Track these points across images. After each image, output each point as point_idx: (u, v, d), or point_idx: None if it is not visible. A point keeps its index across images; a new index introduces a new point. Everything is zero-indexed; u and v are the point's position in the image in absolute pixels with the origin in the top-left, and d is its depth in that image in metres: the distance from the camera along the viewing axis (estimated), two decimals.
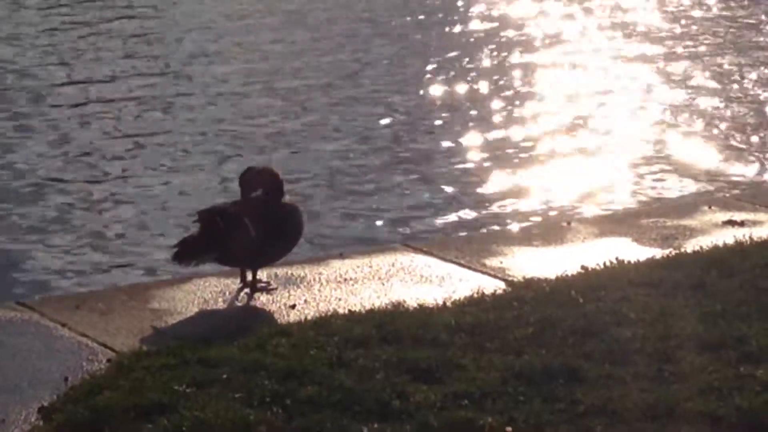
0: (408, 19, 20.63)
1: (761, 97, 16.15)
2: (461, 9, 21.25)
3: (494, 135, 14.65)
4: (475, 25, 20.07)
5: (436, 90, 16.40)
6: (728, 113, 15.44)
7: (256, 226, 6.87)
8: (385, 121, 15.29)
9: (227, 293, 7.03)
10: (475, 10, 21.06)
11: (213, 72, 17.37)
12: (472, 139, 14.48)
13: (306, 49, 18.68)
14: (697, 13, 20.58)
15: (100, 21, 20.18)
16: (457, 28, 19.87)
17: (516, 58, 18.01)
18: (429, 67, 17.41)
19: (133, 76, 17.17)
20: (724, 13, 20.57)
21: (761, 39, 19.19)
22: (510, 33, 19.80)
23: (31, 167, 14.40)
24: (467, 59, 17.97)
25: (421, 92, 16.29)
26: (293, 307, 6.85)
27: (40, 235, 12.07)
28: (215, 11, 21.16)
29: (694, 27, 19.70)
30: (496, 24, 20.23)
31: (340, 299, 6.92)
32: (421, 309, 6.60)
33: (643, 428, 5.26)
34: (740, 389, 5.52)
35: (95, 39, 19.32)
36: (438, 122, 15.22)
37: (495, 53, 18.48)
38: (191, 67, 17.65)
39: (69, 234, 12.07)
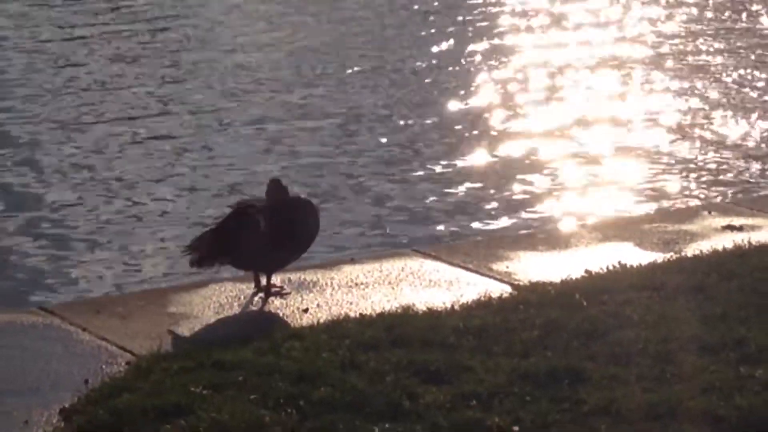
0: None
1: (756, 102, 16.15)
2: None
3: (497, 143, 14.68)
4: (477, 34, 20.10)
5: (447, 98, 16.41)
6: (725, 119, 15.44)
7: (267, 223, 6.84)
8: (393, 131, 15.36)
9: (242, 298, 7.03)
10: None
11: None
12: (476, 148, 14.50)
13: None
14: (694, 16, 20.66)
15: None
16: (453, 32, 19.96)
17: (516, 64, 18.05)
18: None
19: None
20: (722, 22, 20.57)
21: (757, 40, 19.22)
22: (509, 40, 19.84)
23: (56, 169, 14.45)
24: (464, 70, 17.96)
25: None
26: (306, 311, 6.84)
27: (63, 240, 12.10)
28: None
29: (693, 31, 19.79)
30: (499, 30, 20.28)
31: (351, 303, 6.92)
32: (430, 312, 6.60)
33: (647, 428, 5.26)
34: (740, 389, 5.51)
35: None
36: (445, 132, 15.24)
37: (496, 60, 18.49)
38: None
39: (91, 240, 12.10)
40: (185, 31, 20.34)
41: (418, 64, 18.71)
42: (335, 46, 19.61)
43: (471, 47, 19.29)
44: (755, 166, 13.90)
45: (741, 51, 18.86)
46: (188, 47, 19.28)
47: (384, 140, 14.81)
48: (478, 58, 18.65)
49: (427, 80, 17.42)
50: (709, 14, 21.03)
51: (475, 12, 21.80)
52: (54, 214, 12.88)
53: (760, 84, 17.04)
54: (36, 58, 18.72)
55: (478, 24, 21.06)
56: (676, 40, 19.60)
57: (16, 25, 20.74)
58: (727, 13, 21.08)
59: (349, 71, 18.58)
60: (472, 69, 18.03)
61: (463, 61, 18.42)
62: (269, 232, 6.82)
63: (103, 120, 15.56)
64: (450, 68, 18.03)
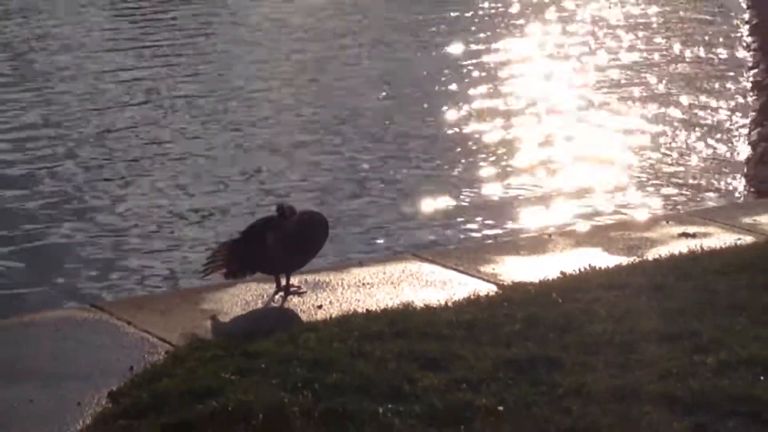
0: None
1: (709, 124, 16.13)
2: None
3: (481, 157, 14.68)
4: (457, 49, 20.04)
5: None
6: (681, 140, 15.43)
7: (276, 237, 6.84)
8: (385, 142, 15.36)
9: (265, 296, 7.04)
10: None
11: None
12: (463, 161, 14.50)
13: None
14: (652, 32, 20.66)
15: None
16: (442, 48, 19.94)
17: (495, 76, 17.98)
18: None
19: None
20: (681, 52, 20.54)
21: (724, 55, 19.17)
22: (495, 56, 19.77)
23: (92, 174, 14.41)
24: (452, 85, 17.89)
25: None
26: (320, 307, 6.85)
27: (113, 241, 12.10)
28: None
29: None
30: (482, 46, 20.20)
31: (359, 300, 6.93)
32: (427, 308, 6.61)
33: (613, 408, 5.25)
34: (694, 374, 5.52)
35: None
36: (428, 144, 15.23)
37: (483, 76, 18.40)
38: None
39: (138, 242, 12.10)
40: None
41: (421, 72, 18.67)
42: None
43: (443, 61, 19.18)
44: (707, 182, 13.91)
45: (695, 78, 18.85)
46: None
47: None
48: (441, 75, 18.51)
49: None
50: (663, 43, 21.02)
51: (432, 29, 21.66)
52: (105, 214, 12.89)
53: (712, 107, 17.03)
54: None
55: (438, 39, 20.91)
56: (638, 67, 19.59)
57: None
58: (681, 44, 21.07)
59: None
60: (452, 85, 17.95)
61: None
62: (284, 243, 6.83)
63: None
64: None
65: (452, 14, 23.46)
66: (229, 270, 6.97)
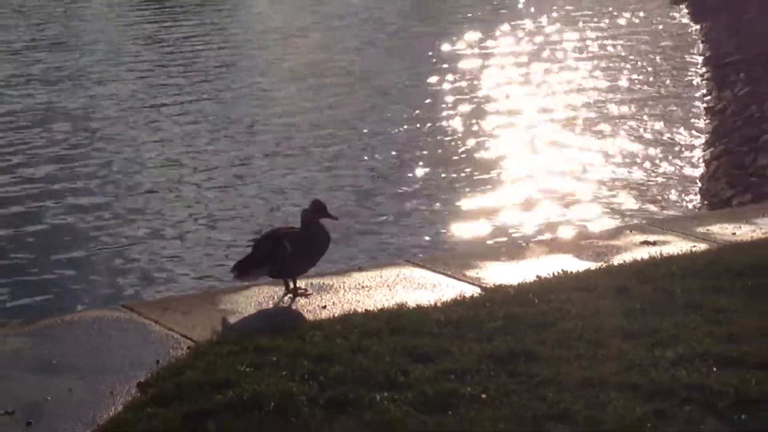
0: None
1: (669, 144, 16.13)
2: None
3: (463, 176, 14.68)
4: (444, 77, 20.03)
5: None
6: (644, 158, 15.43)
7: (292, 245, 6.84)
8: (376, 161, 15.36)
9: (275, 297, 7.02)
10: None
11: None
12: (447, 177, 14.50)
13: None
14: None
15: None
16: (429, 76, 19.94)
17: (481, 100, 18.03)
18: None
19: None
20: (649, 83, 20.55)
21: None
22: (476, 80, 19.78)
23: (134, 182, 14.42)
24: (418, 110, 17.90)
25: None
26: (324, 307, 6.82)
27: (141, 246, 12.10)
28: None
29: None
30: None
31: (358, 301, 6.90)
32: (419, 308, 6.57)
33: (583, 395, 5.23)
34: (654, 366, 5.50)
35: None
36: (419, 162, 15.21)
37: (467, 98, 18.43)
38: None
39: (162, 247, 12.10)
40: None
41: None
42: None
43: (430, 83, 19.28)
44: (666, 195, 13.93)
45: (655, 105, 18.89)
46: None
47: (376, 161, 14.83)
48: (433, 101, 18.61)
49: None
50: (628, 73, 21.05)
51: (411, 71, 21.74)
52: (135, 219, 12.90)
53: (671, 130, 17.06)
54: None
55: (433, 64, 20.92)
56: (605, 94, 19.62)
57: None
58: (644, 75, 21.09)
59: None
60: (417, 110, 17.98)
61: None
62: (294, 251, 6.83)
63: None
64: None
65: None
66: (243, 269, 6.92)
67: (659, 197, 13.81)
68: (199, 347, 6.05)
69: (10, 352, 6.15)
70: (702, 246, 7.89)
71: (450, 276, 7.41)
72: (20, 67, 21.52)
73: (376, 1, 29.73)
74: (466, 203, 13.47)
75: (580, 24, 26.26)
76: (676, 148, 16.11)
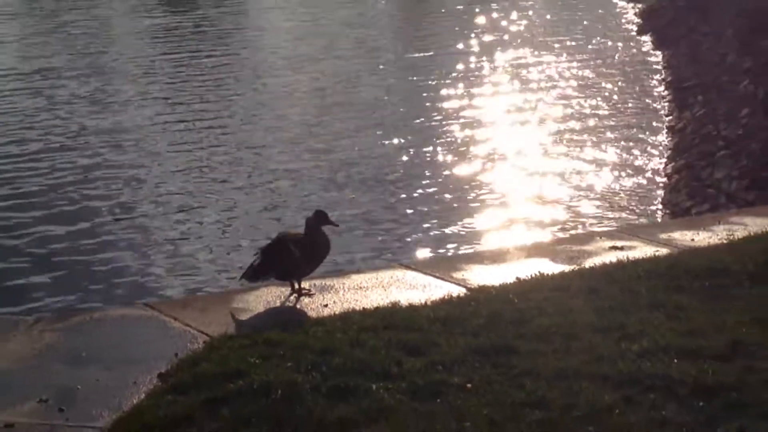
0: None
1: (636, 157, 16.15)
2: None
3: (450, 188, 14.68)
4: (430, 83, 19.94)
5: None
6: (609, 171, 15.46)
7: (298, 250, 6.86)
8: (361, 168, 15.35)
9: (282, 297, 7.03)
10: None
11: None
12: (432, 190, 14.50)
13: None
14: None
15: None
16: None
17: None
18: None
19: None
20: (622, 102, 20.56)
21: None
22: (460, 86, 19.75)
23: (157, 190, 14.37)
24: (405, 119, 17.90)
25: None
26: (326, 306, 6.84)
27: (162, 248, 12.08)
28: None
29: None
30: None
31: (357, 300, 6.92)
32: (410, 307, 6.59)
33: (558, 384, 5.26)
34: (621, 358, 5.53)
35: None
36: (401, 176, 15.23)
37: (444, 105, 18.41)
38: None
39: (181, 251, 12.07)
40: None
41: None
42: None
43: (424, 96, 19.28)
44: (632, 205, 13.95)
45: (623, 126, 18.87)
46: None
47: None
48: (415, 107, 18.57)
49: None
50: (600, 98, 21.03)
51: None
52: (157, 230, 12.88)
53: (637, 147, 17.05)
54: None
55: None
56: (578, 116, 19.59)
57: None
58: (614, 98, 21.08)
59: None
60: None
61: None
62: (300, 255, 6.85)
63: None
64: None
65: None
66: (253, 273, 6.94)
67: (626, 206, 13.84)
68: (213, 341, 6.08)
69: (45, 345, 6.17)
70: (664, 250, 7.91)
71: (438, 277, 7.42)
72: (58, 89, 21.45)
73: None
74: (452, 213, 13.49)
75: (553, 51, 26.27)
76: (642, 163, 16.14)
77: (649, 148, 17.02)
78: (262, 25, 31.21)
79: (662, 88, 22.01)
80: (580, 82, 22.71)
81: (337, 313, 6.59)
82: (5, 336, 6.28)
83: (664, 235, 8.46)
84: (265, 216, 13.36)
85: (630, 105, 20.69)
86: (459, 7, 34.23)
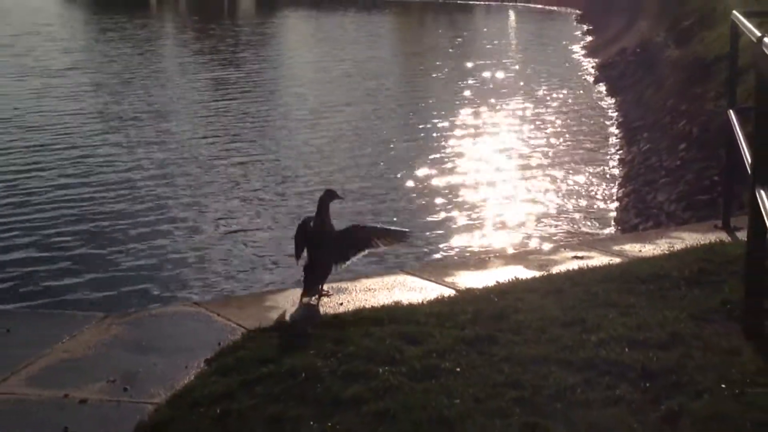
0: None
1: (598, 177, 16.13)
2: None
3: (439, 203, 14.63)
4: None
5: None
6: (572, 196, 15.44)
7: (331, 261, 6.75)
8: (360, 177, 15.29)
9: (306, 297, 7.01)
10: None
11: None
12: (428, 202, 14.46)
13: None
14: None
15: None
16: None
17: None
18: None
19: None
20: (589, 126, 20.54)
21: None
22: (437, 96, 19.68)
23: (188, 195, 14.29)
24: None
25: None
26: (341, 304, 6.81)
27: (208, 250, 12.06)
28: None
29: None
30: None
31: (366, 300, 6.89)
32: (410, 305, 6.57)
33: (531, 369, 5.23)
34: (582, 347, 5.50)
35: None
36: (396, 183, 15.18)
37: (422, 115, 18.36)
38: None
39: (225, 253, 12.05)
40: None
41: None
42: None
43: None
44: (591, 223, 13.94)
45: (581, 158, 18.83)
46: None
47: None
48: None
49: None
50: (558, 132, 20.99)
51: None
52: (202, 233, 12.86)
53: (594, 175, 17.04)
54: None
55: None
56: (542, 148, 19.56)
57: None
58: (570, 133, 21.06)
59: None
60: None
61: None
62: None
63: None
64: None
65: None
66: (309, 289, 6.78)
67: (585, 224, 13.85)
68: (249, 333, 6.06)
69: (112, 336, 6.16)
70: (617, 260, 7.89)
71: (433, 281, 7.40)
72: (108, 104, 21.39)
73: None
74: (444, 229, 13.48)
75: (522, 97, 26.28)
76: (598, 189, 16.16)
77: (604, 176, 17.06)
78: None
79: (614, 127, 22.05)
80: (546, 123, 22.76)
81: (350, 310, 6.56)
82: (80, 329, 6.27)
83: (617, 247, 8.44)
84: (291, 221, 13.26)
85: (587, 141, 20.74)
86: (438, 63, 34.22)
